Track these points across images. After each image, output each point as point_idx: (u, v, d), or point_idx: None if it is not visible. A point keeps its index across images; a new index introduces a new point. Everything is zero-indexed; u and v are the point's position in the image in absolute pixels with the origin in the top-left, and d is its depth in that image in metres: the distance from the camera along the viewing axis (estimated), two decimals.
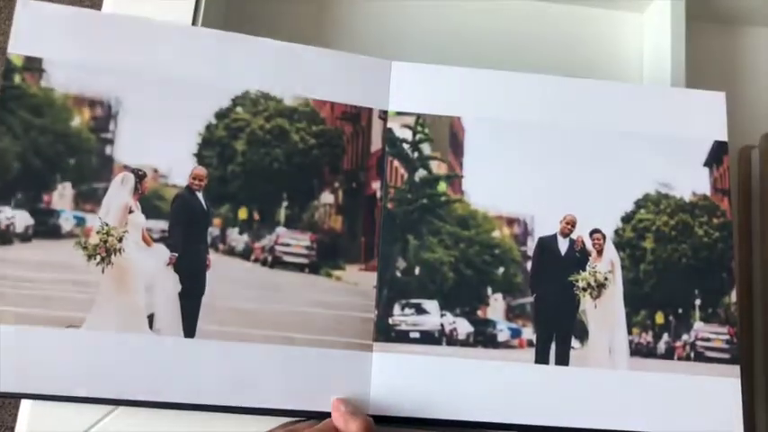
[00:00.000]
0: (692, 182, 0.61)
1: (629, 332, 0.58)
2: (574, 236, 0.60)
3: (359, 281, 0.58)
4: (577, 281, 0.59)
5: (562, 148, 0.61)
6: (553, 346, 0.57)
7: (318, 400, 0.54)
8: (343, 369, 0.55)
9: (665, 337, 0.58)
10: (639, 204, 0.61)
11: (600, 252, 0.59)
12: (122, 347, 0.53)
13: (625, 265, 0.60)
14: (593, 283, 0.59)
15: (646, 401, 0.56)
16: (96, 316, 0.53)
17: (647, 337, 0.58)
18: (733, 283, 0.59)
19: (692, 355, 0.58)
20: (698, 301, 0.59)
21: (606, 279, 0.59)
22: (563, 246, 0.60)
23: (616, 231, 0.60)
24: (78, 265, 0.53)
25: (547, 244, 0.59)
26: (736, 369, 0.57)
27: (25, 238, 0.54)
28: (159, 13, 0.60)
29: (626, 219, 0.60)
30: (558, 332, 0.58)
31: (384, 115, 0.61)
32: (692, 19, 0.72)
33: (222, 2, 0.71)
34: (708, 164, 0.62)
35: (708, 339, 0.58)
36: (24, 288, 0.52)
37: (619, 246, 0.60)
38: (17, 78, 0.55)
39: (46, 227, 0.54)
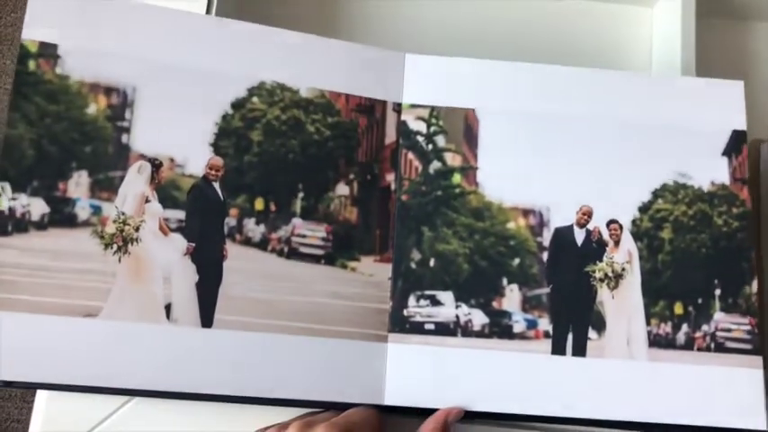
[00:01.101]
0: (711, 171, 0.61)
1: (648, 323, 0.58)
2: (590, 226, 0.60)
3: (374, 272, 0.58)
4: (594, 271, 0.59)
5: (578, 139, 0.61)
6: (570, 337, 0.58)
7: (334, 391, 0.55)
8: (358, 360, 0.55)
9: (685, 327, 0.59)
10: (657, 194, 0.61)
11: (617, 242, 0.60)
12: (139, 337, 0.52)
13: (643, 255, 0.60)
14: (610, 274, 0.59)
15: (664, 393, 0.56)
16: (113, 305, 0.52)
17: (666, 328, 0.58)
18: (753, 272, 0.60)
19: (713, 345, 0.58)
20: (718, 291, 0.59)
21: (624, 269, 0.59)
22: (579, 236, 0.60)
23: (633, 221, 0.60)
24: (95, 254, 0.53)
25: (563, 234, 0.60)
26: (759, 360, 0.57)
27: (41, 226, 0.53)
28: (173, 4, 0.59)
29: (643, 209, 0.60)
30: (574, 323, 0.58)
31: (398, 108, 0.62)
32: (703, 14, 0.72)
33: None
34: (726, 153, 0.62)
35: (728, 330, 0.58)
36: (40, 277, 0.52)
37: (636, 236, 0.60)
38: (32, 64, 0.55)
39: (62, 215, 0.53)
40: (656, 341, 0.58)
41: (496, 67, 0.63)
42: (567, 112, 0.62)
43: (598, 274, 0.59)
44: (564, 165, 0.61)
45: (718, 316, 0.59)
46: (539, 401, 0.56)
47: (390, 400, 0.55)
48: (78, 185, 0.54)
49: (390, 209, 0.60)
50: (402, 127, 0.61)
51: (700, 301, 0.59)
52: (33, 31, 0.55)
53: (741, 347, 0.58)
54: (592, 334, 0.58)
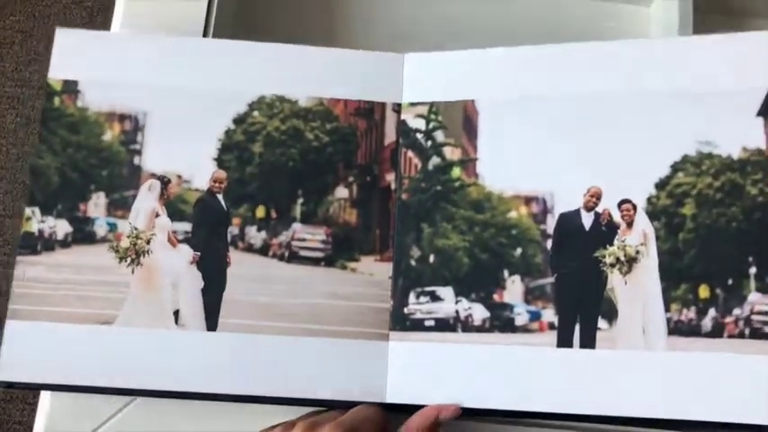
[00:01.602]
0: (743, 136, 0.55)
1: (667, 309, 0.53)
2: (600, 209, 0.56)
3: (374, 272, 0.58)
4: (604, 257, 0.55)
5: (585, 118, 0.58)
6: (577, 329, 0.54)
7: (336, 390, 0.55)
8: (360, 359, 0.56)
9: (712, 312, 0.53)
10: (677, 168, 0.55)
11: (630, 224, 0.55)
12: (150, 341, 0.56)
13: (660, 235, 0.55)
14: (622, 258, 0.55)
15: (687, 385, 0.51)
16: (127, 313, 0.57)
17: (689, 314, 0.53)
18: None
19: (747, 331, 0.52)
20: (752, 270, 0.53)
21: (638, 252, 0.55)
22: (587, 220, 0.56)
23: (649, 200, 0.55)
24: (111, 266, 0.58)
25: (569, 220, 0.56)
26: None
27: (65, 244, 0.59)
28: (172, 17, 0.63)
29: (660, 185, 0.55)
30: (582, 313, 0.54)
31: (397, 108, 0.62)
32: (700, 12, 0.69)
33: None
34: (762, 113, 0.55)
35: (766, 313, 0.52)
36: (64, 289, 0.57)
37: (653, 215, 0.55)
38: (56, 101, 0.61)
39: (82, 233, 0.59)
40: (676, 329, 0.53)
41: (493, 55, 0.61)
42: (571, 90, 0.59)
43: (609, 259, 0.55)
44: (569, 147, 0.58)
45: (754, 297, 0.52)
46: (544, 397, 0.52)
47: (392, 398, 0.55)
48: (97, 206, 0.60)
49: (390, 209, 0.60)
50: (402, 126, 0.61)
51: (730, 281, 0.53)
52: (58, 72, 0.62)
53: None
54: (602, 324, 0.54)
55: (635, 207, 0.56)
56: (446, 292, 0.57)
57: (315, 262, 0.59)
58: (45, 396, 0.56)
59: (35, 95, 1.34)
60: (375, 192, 0.61)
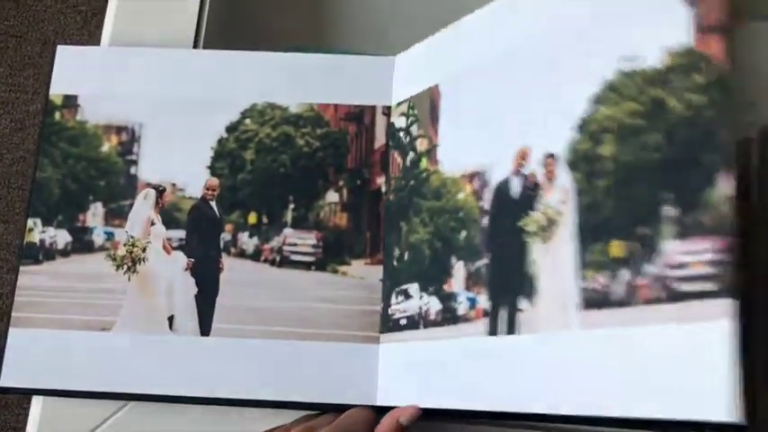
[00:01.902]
0: (666, 37, 0.42)
1: (583, 277, 0.44)
2: (527, 171, 0.49)
3: (365, 275, 0.59)
4: (527, 225, 0.48)
5: (522, 73, 0.51)
6: (503, 312, 0.49)
7: (328, 393, 0.55)
8: (351, 362, 0.56)
9: (625, 273, 0.42)
10: (597, 100, 0.45)
11: (552, 180, 0.47)
12: (146, 347, 0.57)
13: (582, 187, 0.45)
14: (544, 223, 0.47)
15: (597, 371, 0.41)
16: (124, 319, 0.58)
17: (602, 280, 0.43)
18: (728, 163, 0.38)
19: (664, 294, 0.39)
20: (670, 210, 0.40)
21: (559, 213, 0.46)
22: (516, 186, 0.50)
23: (572, 147, 0.46)
24: (108, 274, 0.59)
25: (500, 190, 0.51)
26: (726, 305, 0.36)
27: (65, 253, 0.61)
28: (162, 26, 0.65)
29: (582, 126, 0.46)
30: (506, 294, 0.49)
31: (387, 111, 0.62)
32: None
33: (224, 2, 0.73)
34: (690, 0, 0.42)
35: (685, 265, 0.39)
36: (65, 297, 0.59)
37: (574, 165, 0.46)
38: (57, 115, 0.63)
39: (81, 243, 0.61)
40: (590, 300, 0.43)
41: (449, 33, 0.59)
42: (511, 46, 0.53)
43: (531, 228, 0.48)
44: (506, 108, 0.52)
45: (671, 246, 0.39)
46: (483, 394, 0.48)
47: (382, 400, 0.55)
48: (95, 216, 0.61)
49: (381, 211, 0.60)
50: (391, 128, 0.62)
51: (646, 231, 0.41)
52: (59, 88, 0.64)
53: (702, 290, 0.37)
54: (525, 304, 0.47)
55: (557, 160, 0.48)
56: (413, 288, 0.56)
57: (306, 266, 0.60)
58: (36, 401, 0.58)
59: (29, 100, 1.34)
60: (365, 195, 0.61)
